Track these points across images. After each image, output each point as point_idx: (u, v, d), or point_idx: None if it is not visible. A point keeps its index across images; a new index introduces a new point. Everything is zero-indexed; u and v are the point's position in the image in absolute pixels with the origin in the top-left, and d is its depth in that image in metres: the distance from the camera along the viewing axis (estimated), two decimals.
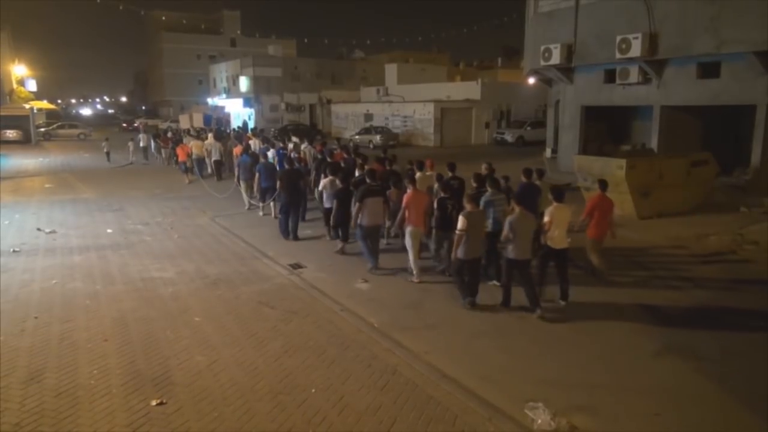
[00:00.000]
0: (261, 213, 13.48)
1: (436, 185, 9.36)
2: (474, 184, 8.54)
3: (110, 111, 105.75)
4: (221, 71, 58.33)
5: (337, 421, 4.76)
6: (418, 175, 9.73)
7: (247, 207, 14.38)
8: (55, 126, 43.53)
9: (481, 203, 7.71)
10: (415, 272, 8.50)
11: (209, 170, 19.78)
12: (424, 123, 35.50)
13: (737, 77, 15.00)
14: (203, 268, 9.17)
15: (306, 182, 12.48)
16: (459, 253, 7.16)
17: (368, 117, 40.10)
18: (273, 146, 17.84)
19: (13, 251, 10.15)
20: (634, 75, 17.18)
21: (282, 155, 14.81)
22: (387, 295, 7.92)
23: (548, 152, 23.26)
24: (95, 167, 24.18)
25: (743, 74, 14.81)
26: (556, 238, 7.32)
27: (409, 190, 8.42)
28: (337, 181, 10.10)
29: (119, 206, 14.83)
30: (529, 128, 33.17)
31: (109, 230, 12.01)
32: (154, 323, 6.85)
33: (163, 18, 64.42)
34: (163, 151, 25.08)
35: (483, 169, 9.50)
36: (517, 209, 7.06)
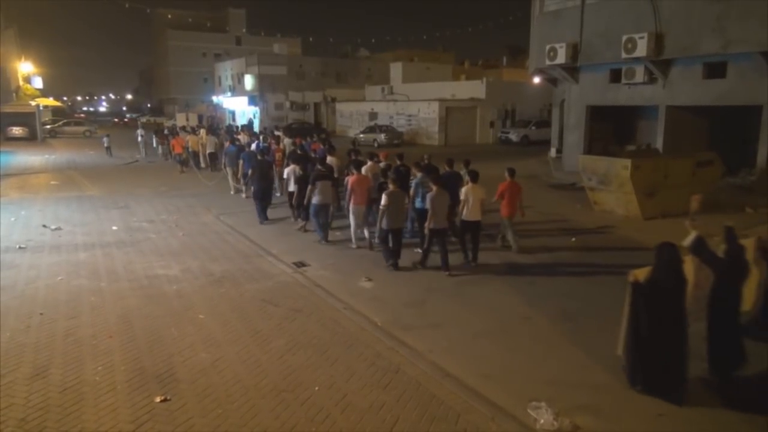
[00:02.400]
0: (244, 196, 15.28)
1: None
2: (415, 171, 10.18)
3: (123, 108, 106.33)
4: (226, 69, 58.37)
5: (340, 419, 4.78)
6: (367, 164, 11.58)
7: (232, 192, 16.27)
8: (60, 123, 43.73)
9: (413, 185, 9.71)
10: (354, 241, 10.31)
11: (202, 163, 21.70)
12: (429, 122, 35.49)
13: (743, 77, 14.92)
14: (208, 266, 9.21)
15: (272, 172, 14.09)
16: (383, 224, 8.79)
17: (373, 116, 40.12)
18: (258, 139, 20.03)
19: (19, 248, 10.21)
20: (639, 75, 17.11)
21: (260, 148, 16.03)
22: (390, 294, 7.94)
23: (553, 152, 23.20)
24: (100, 164, 24.31)
25: (750, 74, 14.73)
26: (471, 212, 8.91)
27: (354, 175, 10.11)
28: (297, 169, 11.74)
29: (124, 203, 14.90)
30: (533, 128, 33.13)
31: (114, 227, 12.07)
32: (158, 320, 6.88)
33: (169, 16, 64.59)
34: (161, 147, 26.48)
35: (424, 158, 11.24)
36: (434, 188, 8.63)
